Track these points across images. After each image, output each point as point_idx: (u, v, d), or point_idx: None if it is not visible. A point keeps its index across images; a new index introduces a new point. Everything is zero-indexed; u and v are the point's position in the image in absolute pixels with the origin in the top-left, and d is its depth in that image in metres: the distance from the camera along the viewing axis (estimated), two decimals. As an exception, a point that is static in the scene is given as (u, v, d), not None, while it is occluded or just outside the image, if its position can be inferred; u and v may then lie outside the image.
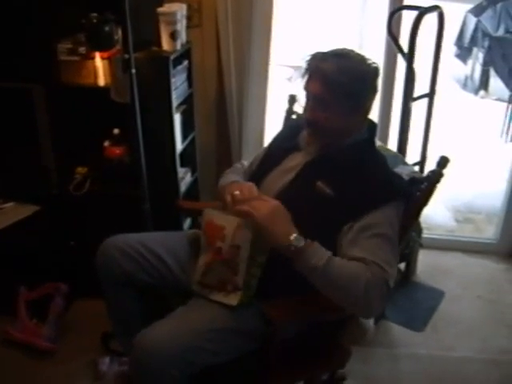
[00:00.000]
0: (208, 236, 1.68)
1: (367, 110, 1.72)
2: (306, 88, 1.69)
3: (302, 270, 1.50)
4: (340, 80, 1.60)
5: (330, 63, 1.62)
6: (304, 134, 1.81)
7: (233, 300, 1.62)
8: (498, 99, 6.32)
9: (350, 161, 1.68)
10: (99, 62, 2.32)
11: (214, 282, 1.65)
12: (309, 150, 1.77)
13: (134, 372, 1.59)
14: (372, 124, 1.80)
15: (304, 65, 1.69)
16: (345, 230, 1.59)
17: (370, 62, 1.68)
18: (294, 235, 1.49)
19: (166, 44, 2.39)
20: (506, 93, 5.94)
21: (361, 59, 1.67)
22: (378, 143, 1.92)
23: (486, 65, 6.50)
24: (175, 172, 2.56)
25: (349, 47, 1.72)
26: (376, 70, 1.69)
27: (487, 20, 6.40)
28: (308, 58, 1.68)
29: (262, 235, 1.55)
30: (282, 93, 2.38)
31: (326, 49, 1.69)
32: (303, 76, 1.69)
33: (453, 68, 7.04)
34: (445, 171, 1.74)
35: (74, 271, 2.52)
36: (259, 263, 1.61)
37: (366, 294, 1.48)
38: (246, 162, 2.13)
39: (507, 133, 5.28)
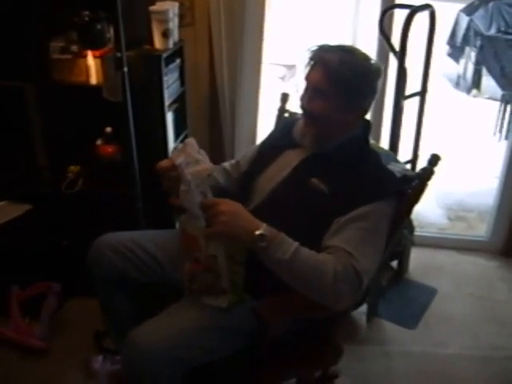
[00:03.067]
0: (185, 245, 1.67)
1: (364, 109, 1.72)
2: (307, 78, 1.69)
3: (266, 263, 1.48)
4: (341, 72, 1.61)
5: (333, 54, 1.64)
6: (298, 126, 1.82)
7: (223, 302, 1.61)
8: (490, 98, 6.37)
9: (345, 158, 1.69)
10: (91, 60, 2.32)
11: (202, 287, 1.64)
12: (304, 146, 1.77)
13: (126, 370, 1.59)
14: (367, 122, 1.80)
15: (308, 54, 1.69)
16: (334, 223, 1.59)
17: (373, 61, 1.69)
18: (257, 232, 1.45)
19: (158, 42, 2.39)
20: (497, 91, 5.98)
21: (365, 57, 1.68)
22: (370, 141, 1.93)
23: (478, 64, 6.55)
24: (168, 170, 2.55)
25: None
26: (378, 70, 1.70)
27: (479, 19, 6.44)
28: (314, 48, 1.69)
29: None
30: (275, 91, 2.39)
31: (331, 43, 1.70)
32: (306, 66, 1.70)
33: (446, 67, 7.07)
34: (436, 169, 1.75)
35: (67, 270, 2.51)
36: (241, 261, 1.59)
37: (334, 286, 1.47)
38: (233, 161, 2.12)
39: (500, 131, 5.31)
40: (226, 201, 1.51)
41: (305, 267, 1.48)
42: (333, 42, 1.71)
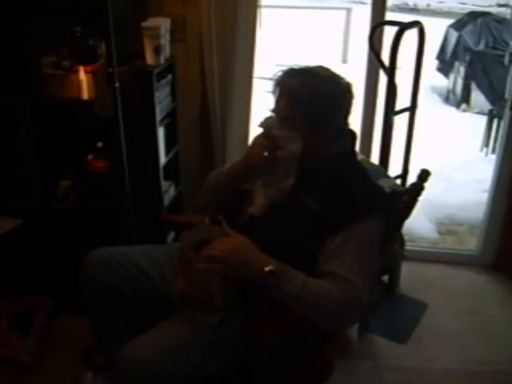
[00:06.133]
0: (180, 264, 1.67)
1: (336, 127, 1.68)
2: (275, 106, 1.68)
3: (276, 296, 1.51)
4: (301, 96, 1.59)
5: (295, 79, 1.62)
6: None
7: (213, 319, 1.62)
8: (480, 112, 6.42)
9: (332, 173, 1.68)
10: (83, 75, 2.32)
11: (194, 304, 1.65)
12: None
13: (117, 385, 1.58)
14: (352, 134, 1.77)
15: (273, 81, 1.67)
16: (326, 242, 1.59)
17: (338, 80, 1.65)
18: (267, 269, 1.47)
19: (149, 58, 2.40)
20: (486, 106, 6.05)
21: (328, 77, 1.64)
22: (360, 157, 1.94)
23: (467, 78, 6.62)
24: (159, 185, 2.56)
25: (326, 65, 1.70)
26: (344, 88, 1.65)
27: (468, 35, 6.53)
28: (279, 74, 1.67)
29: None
30: (265, 106, 2.39)
31: (299, 65, 1.68)
32: (273, 93, 1.68)
33: (435, 82, 7.14)
34: (426, 184, 1.77)
35: (57, 285, 2.50)
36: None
37: (338, 314, 1.53)
38: None
39: (487, 146, 5.35)
40: (233, 238, 1.53)
41: (312, 298, 1.51)
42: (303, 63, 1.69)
